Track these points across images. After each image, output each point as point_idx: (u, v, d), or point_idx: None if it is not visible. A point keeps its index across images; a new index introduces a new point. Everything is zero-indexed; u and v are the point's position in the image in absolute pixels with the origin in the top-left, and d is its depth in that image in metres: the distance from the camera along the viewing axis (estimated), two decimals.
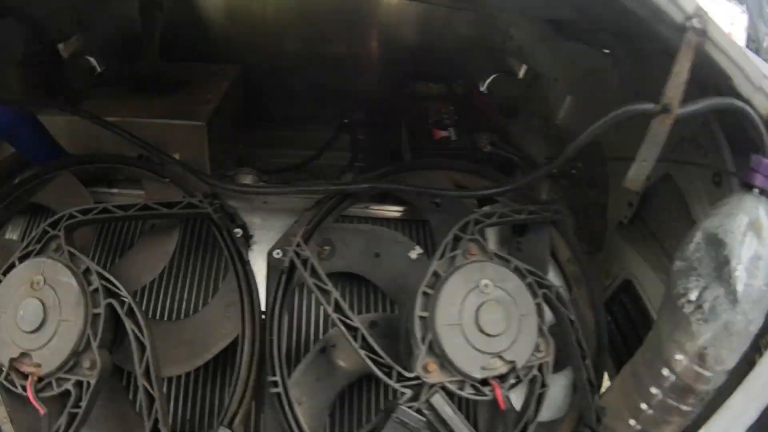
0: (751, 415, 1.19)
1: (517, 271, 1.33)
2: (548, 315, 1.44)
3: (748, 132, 1.18)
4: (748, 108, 1.15)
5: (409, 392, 1.16)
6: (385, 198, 1.69)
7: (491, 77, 2.65)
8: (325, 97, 2.70)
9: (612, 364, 1.72)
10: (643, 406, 1.29)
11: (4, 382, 1.19)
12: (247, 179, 1.76)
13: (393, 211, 1.68)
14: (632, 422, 1.33)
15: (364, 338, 1.18)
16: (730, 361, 1.19)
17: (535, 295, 1.33)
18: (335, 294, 1.21)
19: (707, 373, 1.20)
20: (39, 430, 1.19)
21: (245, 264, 1.43)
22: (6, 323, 1.20)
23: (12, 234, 1.66)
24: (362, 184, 1.55)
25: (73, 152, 1.80)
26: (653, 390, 1.27)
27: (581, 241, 2.18)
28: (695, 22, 1.12)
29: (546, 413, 1.47)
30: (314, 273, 1.24)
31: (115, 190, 1.69)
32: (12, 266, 1.27)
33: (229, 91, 2.19)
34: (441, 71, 2.59)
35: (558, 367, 1.48)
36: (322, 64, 2.58)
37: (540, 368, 1.31)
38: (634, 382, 1.34)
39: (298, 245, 1.28)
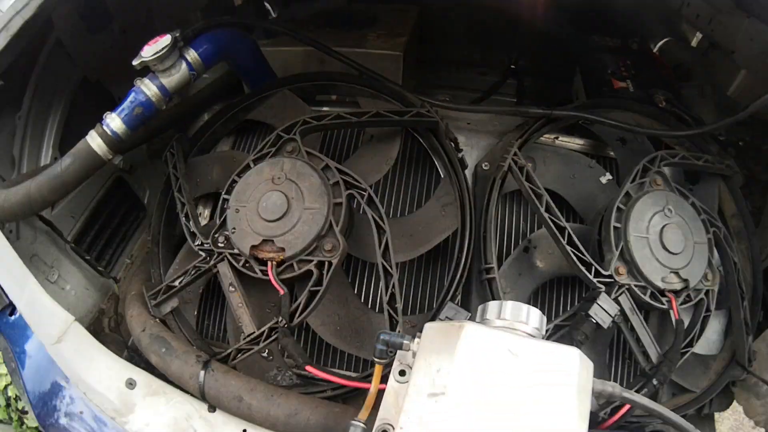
0: None
1: (693, 206, 1.63)
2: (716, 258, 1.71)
3: None
4: None
5: (603, 288, 1.46)
6: (573, 130, 1.97)
7: (664, 40, 2.82)
8: (493, 42, 2.93)
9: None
10: None
11: (243, 269, 1.53)
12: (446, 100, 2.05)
13: (579, 143, 1.96)
14: None
15: (569, 237, 1.49)
16: None
17: (707, 230, 1.61)
18: (546, 197, 1.52)
19: None
20: (270, 308, 1.56)
21: (464, 169, 1.72)
22: (246, 216, 1.53)
23: (223, 148, 2.02)
24: (567, 111, 1.84)
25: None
26: None
27: None
28: None
29: (699, 348, 1.77)
30: (529, 178, 1.56)
31: (325, 109, 1.98)
32: (247, 167, 1.61)
33: (414, 28, 2.48)
34: (612, 27, 2.73)
35: (716, 307, 1.72)
36: (490, 9, 2.72)
37: (707, 294, 1.59)
38: None
39: (515, 155, 1.59)
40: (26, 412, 3.38)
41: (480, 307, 1.14)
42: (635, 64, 2.46)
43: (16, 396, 3.37)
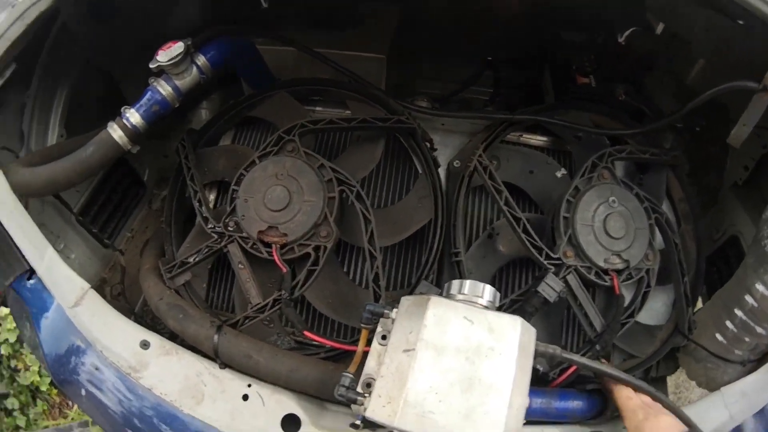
0: None
1: (637, 196, 1.93)
2: (659, 240, 2.00)
3: None
4: None
5: (552, 269, 1.78)
6: (536, 129, 2.29)
7: (630, 30, 3.10)
8: (472, 35, 3.08)
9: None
10: (728, 323, 1.80)
11: (251, 250, 1.84)
12: (423, 104, 2.40)
13: (540, 140, 2.28)
14: (718, 336, 1.83)
15: (524, 226, 1.83)
16: None
17: (649, 216, 1.91)
18: (506, 192, 1.86)
19: None
20: (271, 283, 1.85)
21: (437, 168, 2.07)
22: (254, 205, 1.85)
23: (225, 141, 2.31)
24: (526, 116, 2.19)
25: None
26: (737, 311, 1.77)
27: (698, 193, 2.66)
28: None
29: (648, 319, 2.08)
30: (491, 176, 1.90)
31: (318, 108, 2.32)
32: (252, 163, 1.92)
33: (397, 28, 2.73)
34: (583, 19, 2.87)
35: (662, 282, 2.03)
36: (471, 4, 2.88)
37: (647, 272, 1.88)
38: (722, 305, 1.84)
39: (480, 156, 1.93)
40: (18, 371, 3.60)
41: (446, 285, 1.45)
42: (599, 58, 2.71)
43: (9, 355, 3.57)
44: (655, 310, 2.11)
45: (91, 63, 2.15)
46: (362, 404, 1.29)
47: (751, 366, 1.80)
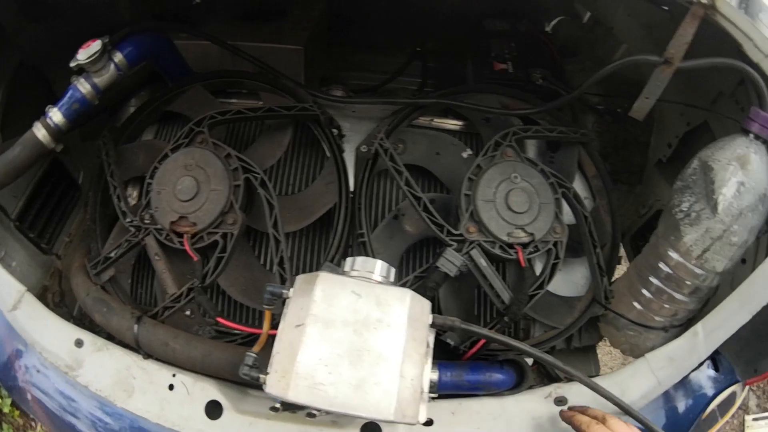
0: (745, 316, 1.61)
1: (542, 172, 1.98)
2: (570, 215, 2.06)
3: None
4: (748, 68, 1.61)
5: (454, 245, 1.84)
6: (447, 113, 2.35)
7: (557, 19, 3.19)
8: (400, 26, 3.23)
9: None
10: (644, 291, 1.87)
11: (164, 241, 1.89)
12: (338, 93, 2.48)
13: (453, 124, 2.34)
14: (636, 304, 1.90)
15: (425, 205, 1.89)
16: (715, 262, 1.69)
17: (555, 191, 1.97)
18: (406, 173, 1.92)
19: (695, 270, 1.74)
20: (190, 274, 1.88)
21: (341, 154, 2.14)
22: (165, 197, 1.90)
23: (147, 137, 2.36)
24: (429, 99, 2.25)
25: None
26: (652, 279, 1.84)
27: (623, 172, 2.73)
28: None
29: (567, 290, 2.15)
30: (392, 159, 1.96)
31: (233, 100, 2.38)
32: (165, 156, 1.97)
33: (319, 20, 2.83)
34: (514, 9, 3.08)
35: (579, 255, 2.10)
36: None
37: (555, 244, 1.93)
38: (638, 273, 1.91)
39: (381, 139, 1.99)
40: None
41: (342, 263, 1.52)
42: (520, 46, 2.78)
43: None
44: (574, 283, 2.17)
45: (24, 64, 2.19)
46: (264, 381, 1.33)
47: (675, 331, 1.85)
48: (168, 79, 2.45)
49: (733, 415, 4.46)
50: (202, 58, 2.49)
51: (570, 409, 1.64)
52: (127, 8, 2.39)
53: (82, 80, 1.94)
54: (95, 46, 1.89)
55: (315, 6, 2.90)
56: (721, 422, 2.11)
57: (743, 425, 4.52)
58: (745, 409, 4.61)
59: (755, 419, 4.52)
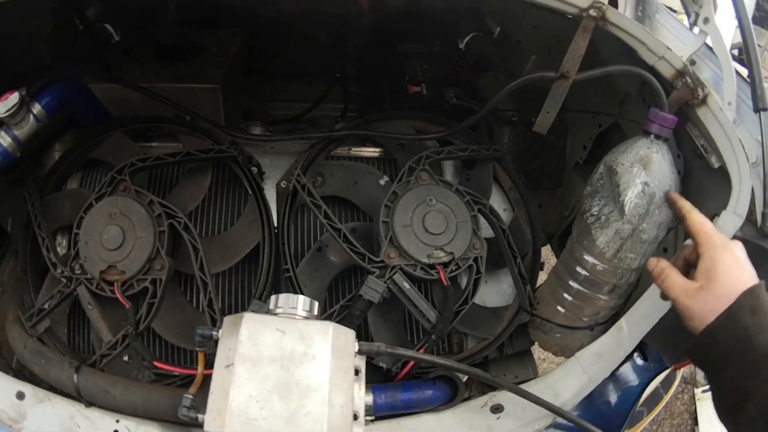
0: (665, 306, 1.68)
1: (457, 192, 2.06)
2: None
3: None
4: (643, 72, 1.70)
5: (377, 272, 1.91)
6: (365, 141, 2.42)
7: (469, 36, 3.23)
8: (320, 53, 3.32)
9: None
10: (566, 295, 1.94)
11: (96, 290, 1.93)
12: (257, 130, 2.56)
13: (371, 151, 2.41)
14: (559, 308, 1.97)
15: (345, 236, 1.96)
16: (630, 261, 1.75)
17: (471, 209, 2.05)
18: (324, 207, 1.99)
19: (611, 270, 1.81)
20: (125, 320, 1.91)
21: (261, 192, 2.19)
22: (93, 247, 1.93)
23: (72, 184, 2.36)
24: (342, 131, 2.32)
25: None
26: (571, 283, 1.91)
27: (543, 178, 2.82)
28: (591, 12, 1.69)
29: (497, 300, 2.23)
30: (310, 194, 2.03)
31: (154, 144, 2.41)
32: (90, 206, 2.00)
33: (237, 54, 2.88)
34: (427, 30, 3.13)
35: (503, 266, 2.18)
36: (316, 23, 3.03)
37: (476, 260, 2.01)
38: (558, 278, 1.99)
39: (298, 175, 2.06)
40: None
41: (267, 301, 1.57)
42: (433, 67, 2.86)
43: None
44: (502, 292, 2.26)
45: None
46: (202, 421, 1.39)
47: (601, 328, 1.93)
48: (85, 125, 2.47)
49: (683, 390, 4.67)
50: (122, 102, 2.52)
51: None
52: (47, 52, 2.44)
53: (2, 133, 1.96)
54: (13, 99, 1.92)
55: (232, 41, 2.94)
56: (666, 397, 2.26)
57: (694, 399, 4.70)
58: (694, 383, 4.78)
59: (704, 391, 4.71)
